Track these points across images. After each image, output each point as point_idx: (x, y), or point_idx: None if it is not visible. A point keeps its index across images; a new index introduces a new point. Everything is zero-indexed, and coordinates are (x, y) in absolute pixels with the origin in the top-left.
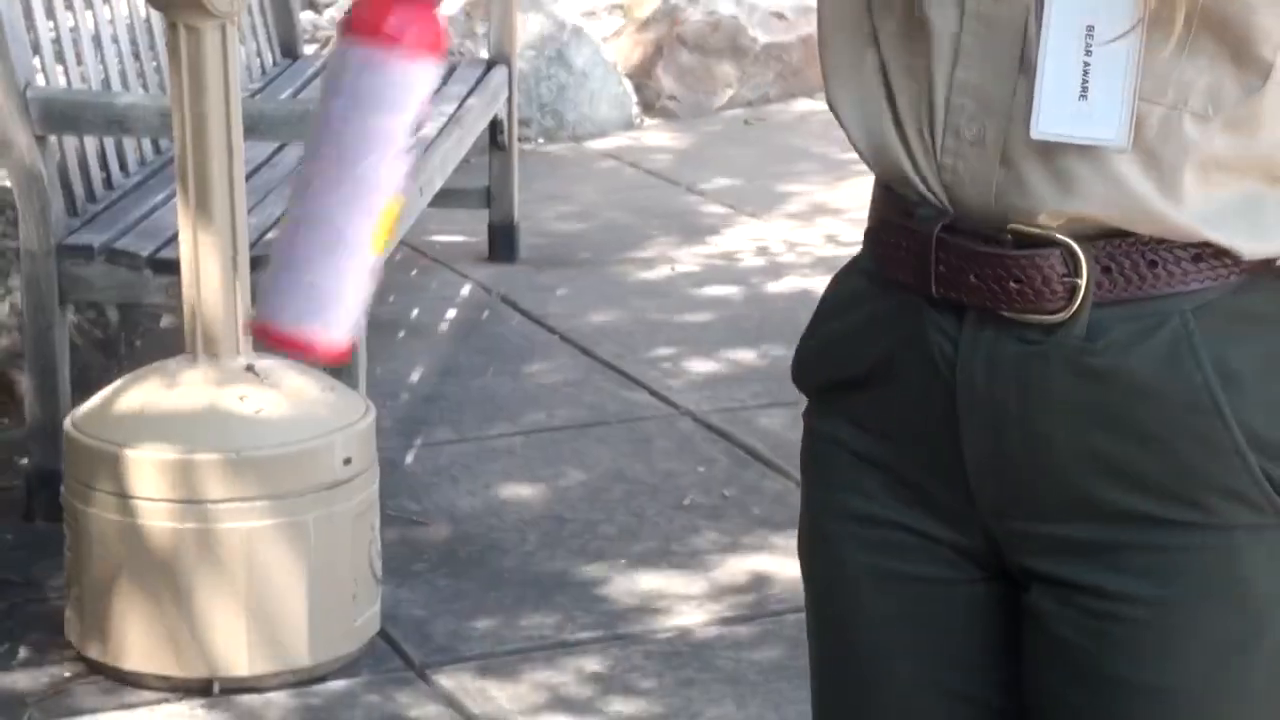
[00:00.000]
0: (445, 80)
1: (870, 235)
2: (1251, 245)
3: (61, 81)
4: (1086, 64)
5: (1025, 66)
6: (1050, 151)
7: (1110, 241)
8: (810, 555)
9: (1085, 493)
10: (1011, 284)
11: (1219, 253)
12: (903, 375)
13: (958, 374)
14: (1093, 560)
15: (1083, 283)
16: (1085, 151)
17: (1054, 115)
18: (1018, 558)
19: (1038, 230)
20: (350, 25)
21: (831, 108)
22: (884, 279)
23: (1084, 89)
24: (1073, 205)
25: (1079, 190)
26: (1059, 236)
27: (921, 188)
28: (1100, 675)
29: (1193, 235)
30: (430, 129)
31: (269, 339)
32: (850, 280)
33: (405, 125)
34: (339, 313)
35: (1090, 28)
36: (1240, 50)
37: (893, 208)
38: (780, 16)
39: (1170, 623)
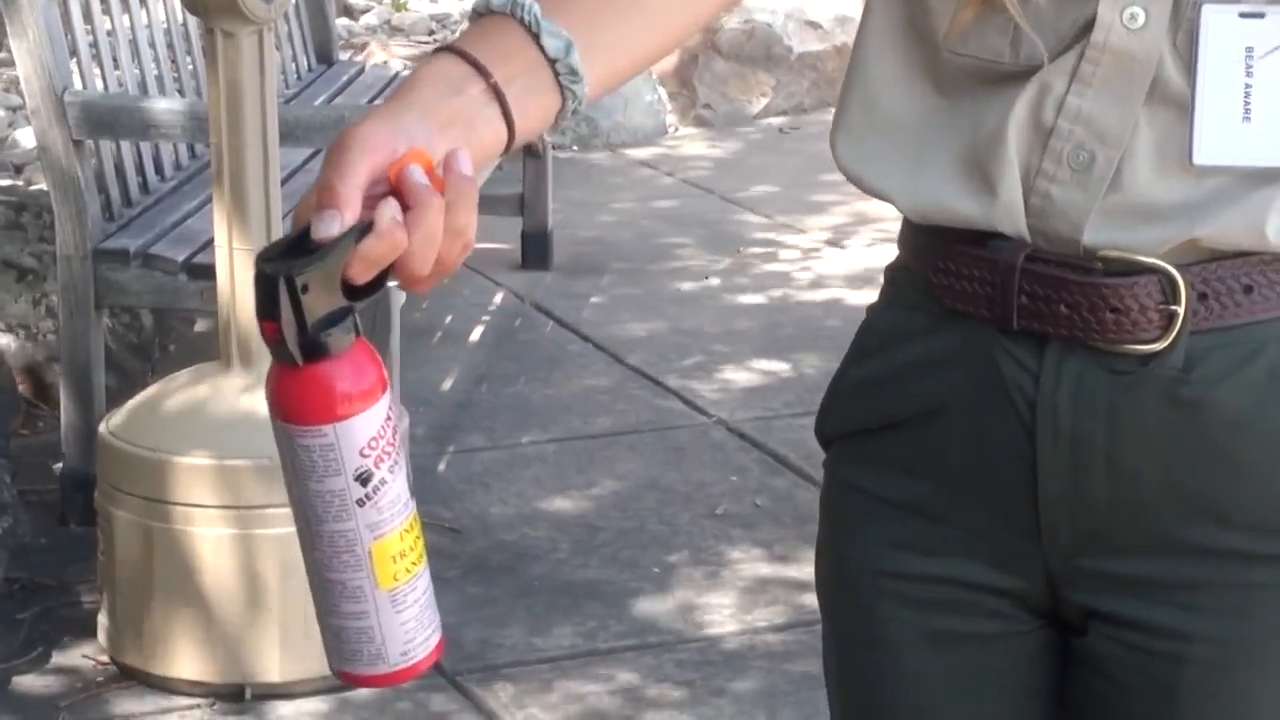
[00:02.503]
0: None
1: (906, 269)
2: None
3: (98, 86)
4: (1248, 85)
5: (1154, 97)
6: (1171, 178)
7: (1206, 267)
8: (837, 609)
9: (1169, 528)
10: (1107, 314)
11: None
12: (964, 412)
13: (1038, 407)
14: (1166, 599)
15: (1181, 310)
16: (1213, 176)
17: (1216, 142)
18: (1080, 598)
19: (1133, 257)
20: (267, 396)
21: (841, 144)
22: (943, 313)
23: (1247, 112)
24: (1194, 231)
25: (1198, 216)
26: (1155, 263)
27: (991, 218)
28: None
29: None
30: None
31: (343, 679)
32: (891, 316)
33: (347, 482)
34: (373, 649)
35: (1250, 49)
36: None
37: (948, 239)
38: (815, 25)
39: (1245, 664)
